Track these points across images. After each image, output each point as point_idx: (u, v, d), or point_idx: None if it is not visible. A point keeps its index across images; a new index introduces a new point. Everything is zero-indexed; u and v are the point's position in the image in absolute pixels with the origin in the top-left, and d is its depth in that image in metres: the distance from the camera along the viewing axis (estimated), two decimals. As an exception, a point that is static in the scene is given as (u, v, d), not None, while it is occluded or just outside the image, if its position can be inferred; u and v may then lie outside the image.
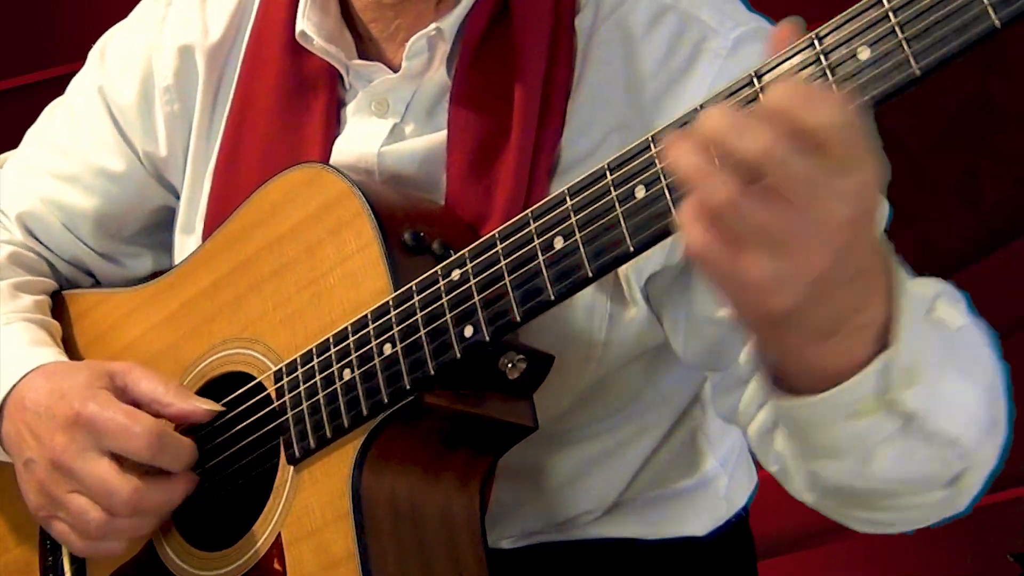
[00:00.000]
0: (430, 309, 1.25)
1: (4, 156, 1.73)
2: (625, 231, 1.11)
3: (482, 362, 1.25)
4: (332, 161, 1.42)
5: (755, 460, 1.39)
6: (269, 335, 1.38)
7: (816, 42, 1.01)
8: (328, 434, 1.29)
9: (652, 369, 1.46)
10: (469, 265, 1.23)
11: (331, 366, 1.30)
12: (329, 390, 1.30)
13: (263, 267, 1.40)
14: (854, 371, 1.05)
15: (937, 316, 1.13)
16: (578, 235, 1.15)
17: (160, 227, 1.62)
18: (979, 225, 3.48)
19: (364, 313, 1.29)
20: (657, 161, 1.09)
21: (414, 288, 1.26)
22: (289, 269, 1.37)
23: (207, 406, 1.39)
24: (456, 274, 1.24)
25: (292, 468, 1.32)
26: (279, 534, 1.32)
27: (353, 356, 1.29)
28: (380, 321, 1.28)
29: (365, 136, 1.43)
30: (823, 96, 0.94)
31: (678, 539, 1.53)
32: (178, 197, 1.57)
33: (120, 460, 1.36)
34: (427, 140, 1.41)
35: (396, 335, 1.26)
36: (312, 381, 1.32)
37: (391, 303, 1.27)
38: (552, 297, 1.17)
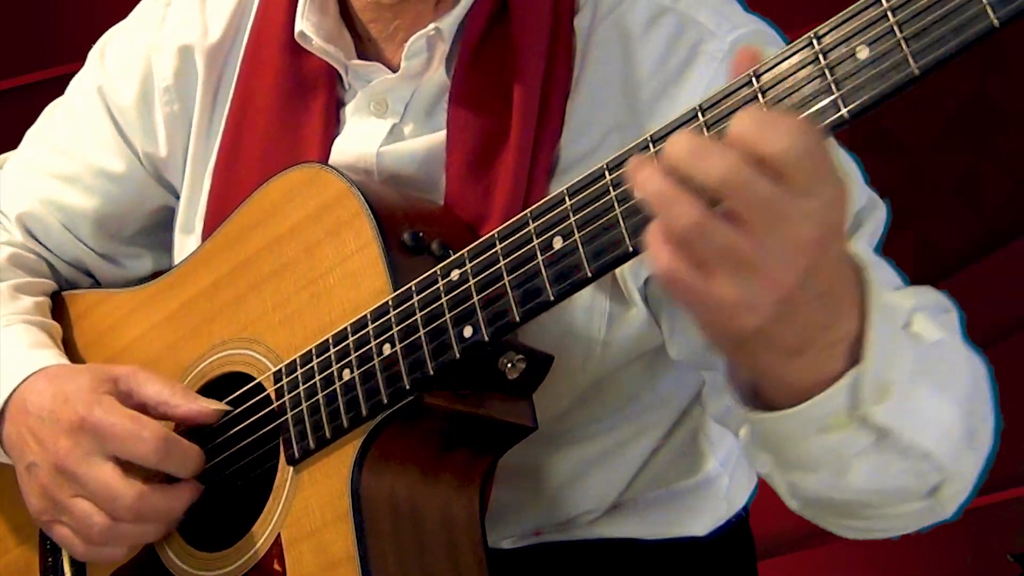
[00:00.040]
0: (429, 309, 1.24)
1: (4, 156, 1.73)
2: (624, 231, 1.11)
3: (481, 362, 1.25)
4: (331, 161, 1.42)
5: (754, 460, 1.38)
6: (269, 335, 1.38)
7: (815, 41, 1.01)
8: (328, 434, 1.29)
9: (652, 370, 1.46)
10: (468, 265, 1.23)
11: (330, 366, 1.30)
12: (328, 390, 1.30)
13: (263, 267, 1.40)
14: (826, 386, 1.06)
15: (914, 330, 1.14)
16: (577, 235, 1.14)
17: (160, 227, 1.62)
18: (979, 225, 3.48)
19: (363, 313, 1.29)
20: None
21: (413, 288, 1.26)
22: (288, 269, 1.37)
23: (215, 406, 1.39)
24: (455, 274, 1.24)
25: (292, 469, 1.32)
26: (279, 535, 1.32)
27: (352, 356, 1.29)
28: (379, 321, 1.27)
29: (364, 136, 1.43)
30: (783, 123, 0.95)
31: (678, 539, 1.53)
32: (178, 197, 1.57)
33: (124, 466, 1.36)
34: (426, 140, 1.41)
35: (395, 335, 1.26)
36: (311, 382, 1.32)
37: (390, 303, 1.27)
38: (551, 297, 1.17)
